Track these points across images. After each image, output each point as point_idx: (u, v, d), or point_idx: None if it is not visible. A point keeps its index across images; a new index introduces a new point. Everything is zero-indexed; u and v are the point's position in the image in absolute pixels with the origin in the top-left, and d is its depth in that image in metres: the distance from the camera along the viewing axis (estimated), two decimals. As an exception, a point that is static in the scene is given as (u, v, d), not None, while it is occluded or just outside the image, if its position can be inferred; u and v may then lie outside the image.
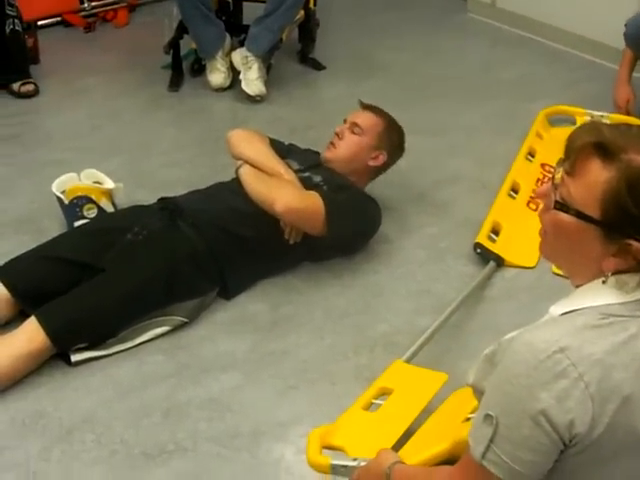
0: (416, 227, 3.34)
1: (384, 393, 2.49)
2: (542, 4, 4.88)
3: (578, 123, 3.93)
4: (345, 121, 3.27)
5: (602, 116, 3.93)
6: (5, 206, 3.48)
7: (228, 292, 2.97)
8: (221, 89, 4.36)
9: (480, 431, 1.45)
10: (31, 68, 4.52)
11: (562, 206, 1.47)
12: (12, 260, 2.88)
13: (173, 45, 4.40)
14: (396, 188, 3.50)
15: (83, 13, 5.21)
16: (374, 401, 2.46)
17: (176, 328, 2.82)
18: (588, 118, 3.93)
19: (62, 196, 3.21)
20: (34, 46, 4.68)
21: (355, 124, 3.22)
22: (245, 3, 4.75)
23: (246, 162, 3.13)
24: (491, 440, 1.43)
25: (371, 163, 3.22)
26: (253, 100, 4.16)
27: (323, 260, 3.14)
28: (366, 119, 3.24)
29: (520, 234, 3.21)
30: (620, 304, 1.43)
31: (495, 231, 3.25)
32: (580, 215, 1.45)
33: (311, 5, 4.56)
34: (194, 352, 2.75)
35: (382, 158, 3.25)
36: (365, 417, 2.40)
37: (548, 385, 1.37)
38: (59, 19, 5.18)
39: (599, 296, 1.45)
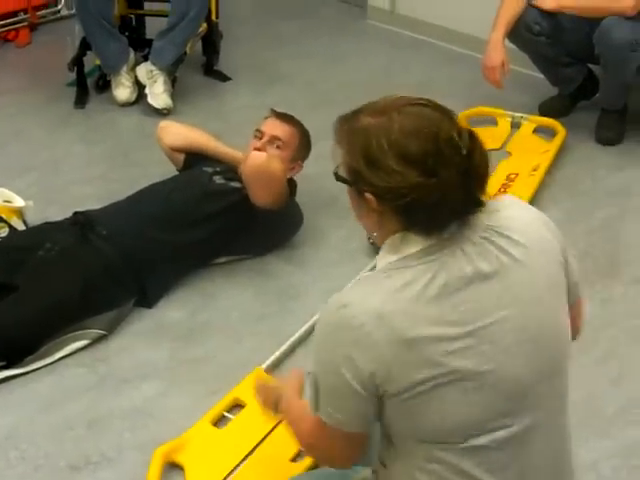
0: (327, 230, 3.41)
1: (236, 404, 2.57)
2: (439, 8, 4.98)
3: (499, 124, 4.07)
4: (258, 131, 3.28)
5: (522, 117, 4.08)
6: None
7: (148, 299, 3.01)
8: (128, 104, 4.36)
9: (309, 388, 1.62)
10: None
11: (336, 176, 1.62)
12: None
13: (77, 62, 4.38)
14: (306, 194, 3.55)
15: (-17, 34, 5.16)
16: (225, 414, 2.54)
17: (95, 341, 2.84)
18: (509, 119, 4.08)
19: (-29, 216, 3.20)
20: None
21: (276, 137, 3.22)
22: (148, 18, 4.77)
23: (190, 145, 3.40)
24: (315, 394, 1.60)
25: (289, 175, 3.27)
26: (160, 113, 4.18)
27: (241, 254, 3.23)
28: (286, 132, 3.25)
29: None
30: (399, 259, 1.55)
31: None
32: (339, 178, 1.61)
33: (213, 17, 4.59)
34: (114, 363, 2.77)
35: (298, 168, 3.33)
36: (211, 433, 2.48)
37: (338, 339, 1.53)
38: (-40, 41, 5.12)
39: (386, 255, 1.59)
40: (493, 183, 3.59)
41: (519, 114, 4.07)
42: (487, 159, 1.54)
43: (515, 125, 4.07)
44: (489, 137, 3.93)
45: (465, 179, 1.50)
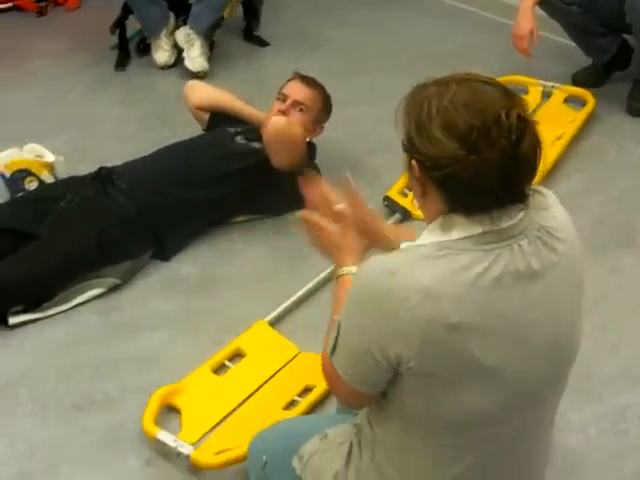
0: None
1: (238, 354, 2.65)
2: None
3: (530, 93, 4.06)
4: (281, 94, 3.35)
5: (553, 86, 4.07)
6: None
7: (166, 253, 3.10)
8: (166, 67, 4.48)
9: (331, 332, 1.60)
10: (-18, 52, 4.64)
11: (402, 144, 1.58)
12: (-51, 229, 2.99)
13: (119, 26, 4.51)
14: (331, 156, 3.60)
15: (35, -2, 5.30)
16: (226, 362, 2.62)
17: (110, 289, 2.95)
18: (540, 88, 4.07)
19: (4, 170, 3.33)
20: (-17, 30, 4.79)
21: (298, 102, 3.29)
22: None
23: (215, 104, 3.46)
24: (335, 341, 1.59)
25: (310, 137, 3.34)
26: (196, 76, 4.26)
27: (260, 214, 3.31)
28: (308, 96, 3.32)
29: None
30: (456, 240, 1.52)
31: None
32: (402, 146, 1.57)
33: (255, -18, 4.67)
34: (126, 312, 2.88)
35: (319, 131, 3.39)
36: (210, 380, 2.57)
37: (376, 305, 1.49)
38: (12, 5, 5.26)
39: (438, 232, 1.55)
40: (517, 150, 3.60)
41: (551, 83, 4.06)
42: (539, 152, 1.48)
43: (546, 94, 4.05)
44: (519, 106, 3.93)
45: (508, 165, 1.45)
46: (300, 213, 1.97)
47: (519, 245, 1.52)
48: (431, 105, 1.48)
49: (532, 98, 4.03)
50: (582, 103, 3.98)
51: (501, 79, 3.98)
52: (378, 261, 1.54)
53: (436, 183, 1.51)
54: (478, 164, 1.43)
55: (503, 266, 1.50)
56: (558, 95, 4.03)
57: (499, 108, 1.44)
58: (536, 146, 1.47)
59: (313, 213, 1.96)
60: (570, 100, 4.03)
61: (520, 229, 1.53)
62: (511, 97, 1.48)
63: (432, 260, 1.50)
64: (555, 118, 3.87)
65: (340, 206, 1.92)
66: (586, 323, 2.72)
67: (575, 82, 4.15)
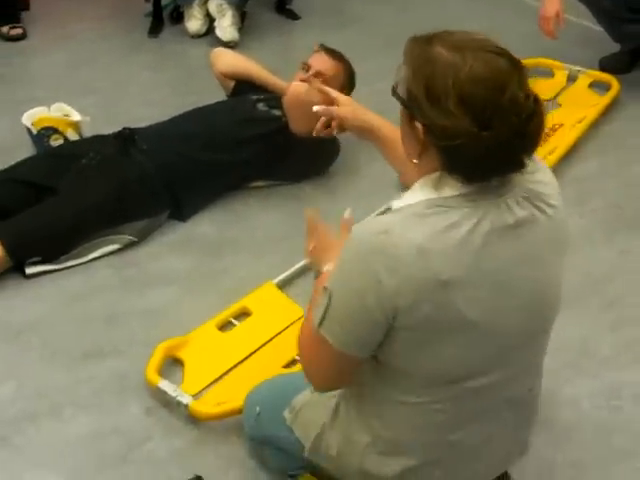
0: (364, 163, 3.51)
1: (244, 313, 2.72)
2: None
3: (556, 76, 4.08)
4: (305, 64, 3.41)
5: (579, 70, 4.09)
6: (-17, 140, 3.69)
7: (183, 213, 3.18)
8: (198, 35, 4.55)
9: (319, 301, 1.63)
10: (22, 14, 4.71)
11: (393, 91, 1.62)
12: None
13: (153, -7, 4.59)
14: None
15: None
16: (232, 320, 2.68)
17: (126, 246, 3.03)
18: (566, 72, 4.09)
19: (31, 127, 3.42)
20: (25, -7, 4.87)
21: (321, 73, 3.34)
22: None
23: (239, 71, 3.51)
24: (326, 310, 1.61)
25: None
26: (226, 46, 4.29)
27: (278, 180, 3.37)
28: (331, 67, 3.37)
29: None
30: (447, 197, 1.56)
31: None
32: (396, 95, 1.61)
33: (288, -44, 4.72)
34: (140, 268, 2.96)
35: None
36: (214, 336, 2.63)
37: (372, 263, 1.53)
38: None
39: (429, 190, 1.59)
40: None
41: (577, 67, 4.08)
42: (544, 126, 1.52)
43: (571, 78, 4.08)
44: (543, 88, 3.96)
45: (517, 141, 1.49)
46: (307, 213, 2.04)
47: (506, 203, 1.57)
48: (447, 76, 1.49)
49: (557, 81, 4.06)
50: (607, 89, 3.99)
51: (527, 61, 4.04)
52: (370, 222, 1.59)
53: (439, 149, 1.54)
54: (489, 140, 1.47)
55: (491, 222, 1.55)
56: (583, 79, 4.05)
57: (515, 87, 1.47)
58: (543, 121, 1.51)
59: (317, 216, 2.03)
60: (595, 85, 4.05)
61: (508, 188, 1.58)
62: (521, 73, 1.51)
63: (423, 218, 1.54)
64: (578, 102, 3.90)
65: (347, 213, 1.97)
66: (591, 301, 2.81)
67: (602, 68, 4.15)
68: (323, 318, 1.62)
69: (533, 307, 1.66)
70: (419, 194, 1.60)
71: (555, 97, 3.97)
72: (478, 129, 1.47)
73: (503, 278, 1.59)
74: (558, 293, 1.73)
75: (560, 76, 4.08)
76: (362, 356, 1.66)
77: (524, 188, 1.60)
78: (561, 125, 3.67)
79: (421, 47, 1.56)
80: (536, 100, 1.50)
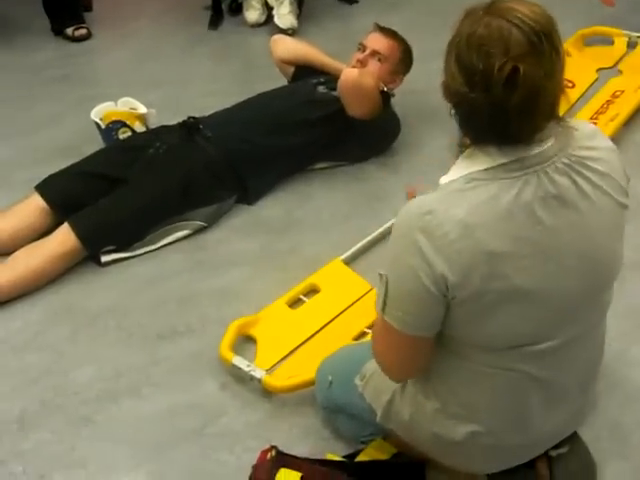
0: (425, 141, 3.54)
1: (313, 290, 2.77)
2: None
3: (616, 43, 4.06)
4: (361, 44, 3.46)
5: (639, 37, 4.05)
6: (54, 136, 3.80)
7: (249, 197, 3.25)
8: (257, 25, 4.63)
9: (378, 288, 1.70)
10: (85, 16, 4.84)
11: None
12: (50, 176, 3.18)
13: (212, -15, 4.67)
14: (412, 107, 3.68)
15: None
16: (301, 297, 2.74)
17: (196, 232, 3.10)
18: (625, 39, 4.07)
19: (100, 122, 3.52)
20: (87, -6, 5.00)
21: (377, 52, 3.41)
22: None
23: (298, 56, 3.57)
24: (385, 295, 1.68)
25: (389, 87, 3.43)
26: (285, 33, 4.35)
27: (340, 161, 3.42)
28: (386, 46, 3.43)
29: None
30: (484, 170, 1.61)
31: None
32: None
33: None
34: (210, 251, 3.03)
35: (399, 82, 3.48)
36: (285, 313, 2.69)
37: (419, 243, 1.58)
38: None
39: (469, 165, 1.64)
40: (598, 99, 3.62)
41: (636, 34, 4.04)
42: (532, 103, 1.52)
43: (631, 45, 4.04)
44: (604, 55, 3.96)
45: (498, 112, 1.53)
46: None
47: (545, 172, 1.60)
48: (455, 38, 1.57)
49: (617, 48, 4.04)
50: (668, 54, 3.96)
51: (585, 30, 4.05)
52: (414, 204, 1.63)
53: (453, 107, 1.62)
54: (474, 102, 1.53)
55: (532, 192, 1.58)
56: (644, 45, 4.02)
57: (502, 58, 1.49)
58: (530, 99, 1.52)
59: None
60: (657, 51, 4.01)
61: (545, 157, 1.61)
62: (533, 45, 1.50)
63: (463, 193, 1.59)
64: (639, 68, 3.86)
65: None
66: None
67: (663, 33, 4.11)
68: (384, 304, 1.69)
69: (585, 273, 1.67)
70: (460, 169, 1.65)
71: (616, 64, 3.94)
72: (468, 90, 1.54)
73: (550, 246, 1.61)
74: (614, 257, 1.74)
75: (620, 43, 4.05)
76: (429, 335, 1.71)
77: (566, 155, 1.63)
78: (622, 92, 3.64)
79: (465, 11, 1.60)
80: (515, 71, 1.49)
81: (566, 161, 1.62)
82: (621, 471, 2.17)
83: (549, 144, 1.61)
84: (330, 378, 2.16)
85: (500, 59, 1.49)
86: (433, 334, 1.71)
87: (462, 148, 1.69)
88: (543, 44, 1.51)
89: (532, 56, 1.50)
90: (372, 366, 2.01)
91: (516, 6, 1.54)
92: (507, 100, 1.51)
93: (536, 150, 1.60)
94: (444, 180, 1.66)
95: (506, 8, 1.54)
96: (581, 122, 1.75)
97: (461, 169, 1.64)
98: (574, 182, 1.62)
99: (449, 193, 1.61)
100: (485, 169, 1.60)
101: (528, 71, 1.49)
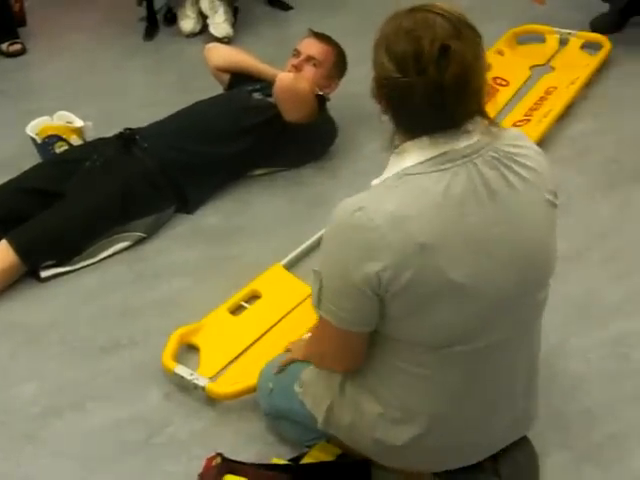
0: (362, 143, 3.56)
1: (254, 296, 2.78)
2: None
3: (547, 41, 4.12)
4: (296, 50, 3.48)
5: (570, 33, 4.12)
6: (-10, 153, 3.77)
7: (189, 206, 3.25)
8: (192, 34, 4.62)
9: (313, 285, 1.72)
10: (19, 31, 4.79)
11: None
12: (-14, 194, 3.15)
13: (144, -3, 4.66)
14: (347, 110, 3.69)
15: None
16: (243, 303, 2.75)
17: (136, 243, 3.10)
18: (557, 36, 4.13)
19: (36, 137, 3.49)
20: (20, 10, 4.94)
21: (311, 57, 3.43)
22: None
23: (232, 64, 3.58)
24: (319, 291, 1.70)
25: (325, 91, 3.45)
26: (221, 42, 4.36)
27: (279, 166, 3.43)
28: (321, 51, 3.46)
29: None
30: (412, 166, 1.64)
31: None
32: None
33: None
34: (151, 262, 3.03)
35: (334, 86, 3.51)
36: (227, 320, 2.70)
37: (351, 240, 1.62)
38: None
39: (400, 161, 1.67)
40: (532, 96, 3.68)
41: (567, 30, 4.11)
42: (464, 81, 1.56)
43: (563, 42, 4.11)
44: (536, 53, 4.03)
45: (434, 91, 1.56)
46: None
47: (474, 163, 1.63)
48: (381, 32, 1.63)
49: (549, 45, 4.10)
50: (599, 49, 4.02)
51: (518, 29, 4.12)
52: (346, 203, 1.66)
53: (385, 101, 1.65)
54: (409, 85, 1.57)
55: (461, 185, 1.61)
56: (575, 42, 4.09)
57: (431, 41, 1.54)
58: (462, 77, 1.56)
59: None
60: (587, 46, 4.09)
61: (474, 149, 1.64)
62: (458, 30, 1.56)
63: (394, 188, 1.63)
64: (571, 64, 3.94)
65: None
66: (594, 254, 2.86)
67: (593, 29, 4.19)
68: (319, 300, 1.71)
69: (518, 267, 1.69)
70: (391, 168, 1.69)
71: (548, 61, 4.01)
72: (400, 76, 1.57)
73: (481, 238, 1.64)
74: (547, 252, 1.77)
75: (552, 40, 4.12)
76: (366, 330, 1.73)
77: (493, 150, 1.66)
78: (555, 88, 3.70)
79: (389, 16, 1.65)
80: (449, 54, 1.54)
81: (494, 155, 1.66)
82: (563, 460, 2.20)
83: (476, 139, 1.65)
84: (271, 385, 2.17)
85: (429, 41, 1.54)
86: (369, 329, 1.73)
87: (394, 148, 1.71)
88: (467, 29, 1.58)
89: (458, 39, 1.55)
90: (310, 372, 2.03)
91: (437, 3, 1.61)
92: (441, 78, 1.55)
93: (465, 143, 1.63)
94: (376, 182, 1.70)
95: (428, 5, 1.61)
96: (507, 128, 1.81)
97: (393, 167, 1.68)
98: (502, 175, 1.65)
99: (380, 190, 1.65)
100: (415, 164, 1.63)
101: (458, 48, 1.55)
